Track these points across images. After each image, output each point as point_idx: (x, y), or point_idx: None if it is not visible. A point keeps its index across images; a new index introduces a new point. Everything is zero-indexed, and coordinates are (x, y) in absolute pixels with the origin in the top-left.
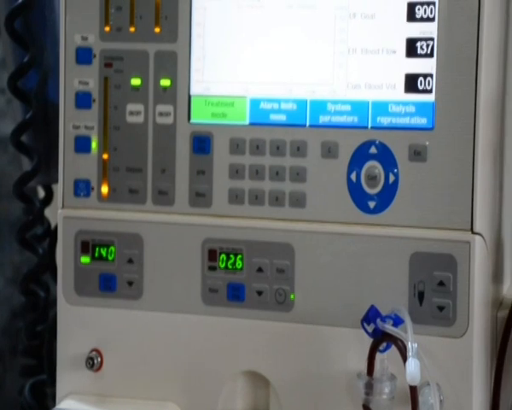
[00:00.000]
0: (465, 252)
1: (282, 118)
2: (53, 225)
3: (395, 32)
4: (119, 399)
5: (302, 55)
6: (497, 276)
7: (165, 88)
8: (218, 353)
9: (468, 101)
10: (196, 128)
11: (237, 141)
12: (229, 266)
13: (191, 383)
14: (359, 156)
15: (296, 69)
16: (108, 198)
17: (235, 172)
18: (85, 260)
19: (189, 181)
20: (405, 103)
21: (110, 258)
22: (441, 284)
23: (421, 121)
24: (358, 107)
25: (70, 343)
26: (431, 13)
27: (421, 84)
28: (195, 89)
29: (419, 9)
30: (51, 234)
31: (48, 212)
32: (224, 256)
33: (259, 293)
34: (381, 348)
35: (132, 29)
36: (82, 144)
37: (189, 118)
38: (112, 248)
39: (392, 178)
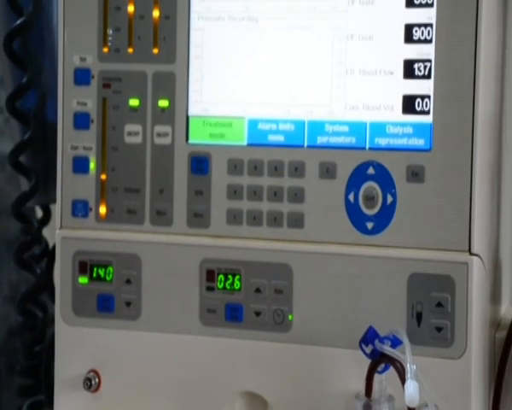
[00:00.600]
0: (463, 273)
1: (280, 138)
2: (51, 245)
3: (393, 53)
4: None
5: (300, 76)
6: (494, 296)
7: (163, 109)
8: (216, 373)
9: (466, 122)
10: (194, 149)
11: (235, 161)
12: (228, 287)
13: (189, 404)
14: (357, 177)
15: (294, 90)
16: (106, 219)
17: (234, 192)
18: (83, 280)
19: (187, 201)
20: (403, 124)
21: (108, 278)
22: (439, 304)
23: (419, 142)
24: (356, 128)
25: (68, 364)
26: (428, 35)
27: (418, 105)
28: (193, 109)
29: (416, 31)
30: (49, 254)
31: (46, 231)
32: (222, 277)
33: (257, 313)
34: (379, 369)
35: (130, 50)
36: (80, 165)
37: (187, 138)
38: (110, 269)
39: (389, 198)
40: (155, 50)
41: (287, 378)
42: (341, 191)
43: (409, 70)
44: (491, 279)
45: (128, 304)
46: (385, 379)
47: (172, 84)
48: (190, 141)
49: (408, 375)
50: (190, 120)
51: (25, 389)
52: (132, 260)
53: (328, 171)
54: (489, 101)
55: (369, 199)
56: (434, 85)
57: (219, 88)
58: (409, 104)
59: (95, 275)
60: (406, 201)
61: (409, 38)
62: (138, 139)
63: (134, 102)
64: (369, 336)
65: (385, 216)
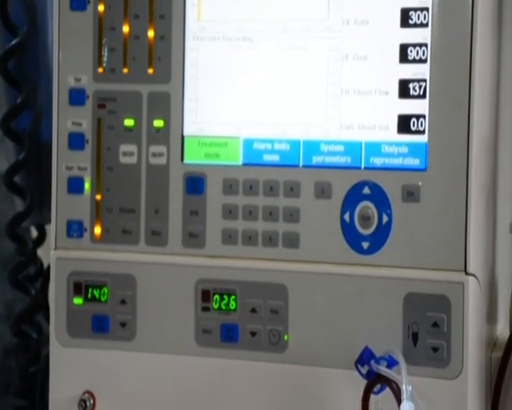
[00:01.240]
0: (459, 293)
1: (275, 158)
2: (46, 265)
3: (388, 73)
4: None
5: (295, 95)
6: (491, 316)
7: (158, 129)
8: (211, 394)
9: (461, 141)
10: (189, 169)
11: (230, 181)
12: (223, 307)
13: None
14: (352, 197)
15: (289, 110)
16: (101, 239)
17: (229, 212)
18: (78, 301)
19: (183, 222)
20: (398, 144)
21: (103, 299)
22: (435, 324)
23: (414, 162)
24: (351, 147)
25: (62, 385)
26: (423, 54)
27: (413, 125)
28: (188, 129)
29: (411, 51)
30: (44, 274)
31: (41, 251)
32: (217, 297)
33: (253, 334)
34: (375, 389)
35: (126, 70)
36: (75, 185)
37: (182, 158)
38: (105, 290)
39: (385, 218)
40: (150, 70)
41: (283, 399)
42: (337, 211)
43: (404, 90)
44: (487, 299)
45: (123, 325)
46: (381, 400)
47: (167, 104)
48: (185, 161)
49: (404, 396)
50: (185, 139)
51: None
52: (127, 281)
53: (323, 191)
54: (484, 120)
55: (365, 219)
56: (429, 105)
57: (214, 108)
58: (404, 124)
59: (89, 296)
60: (402, 220)
61: (404, 57)
62: (133, 159)
63: (129, 123)
64: (365, 357)
65: (380, 236)
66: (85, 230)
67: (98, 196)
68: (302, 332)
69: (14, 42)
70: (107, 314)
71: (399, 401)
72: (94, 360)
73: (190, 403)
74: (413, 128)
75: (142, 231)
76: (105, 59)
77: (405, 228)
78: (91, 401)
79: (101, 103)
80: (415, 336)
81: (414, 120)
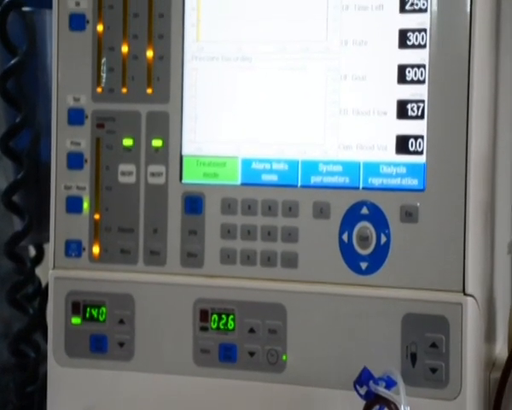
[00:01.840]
0: (457, 314)
1: (273, 178)
2: (44, 284)
3: (386, 93)
4: None
5: (294, 115)
6: (489, 336)
7: (157, 148)
8: None
9: (459, 162)
10: (188, 188)
11: (229, 201)
12: (221, 327)
13: None
14: (351, 217)
15: (288, 130)
16: (100, 258)
17: (227, 232)
18: (76, 320)
19: (181, 241)
20: (396, 164)
21: (101, 319)
22: (434, 345)
23: (413, 182)
24: (350, 167)
25: (60, 405)
26: (421, 75)
27: (412, 145)
28: (187, 149)
29: (409, 72)
30: (42, 293)
31: (39, 270)
32: (215, 316)
33: (251, 354)
34: None
35: (124, 90)
36: (73, 205)
37: (180, 178)
38: (103, 309)
39: (383, 238)
40: (149, 90)
41: None
42: (335, 231)
43: (402, 110)
44: (485, 319)
45: (121, 344)
46: None
47: (166, 123)
48: (184, 180)
49: None
50: (184, 159)
51: None
52: (126, 300)
53: (321, 211)
54: (482, 141)
55: (363, 239)
56: (428, 126)
57: (213, 127)
58: (402, 144)
59: (88, 315)
60: (400, 241)
61: (402, 78)
62: (132, 179)
63: (128, 142)
64: (364, 378)
65: (379, 256)
66: (84, 249)
67: (97, 216)
68: (300, 352)
69: (13, 61)
70: (105, 334)
71: None
72: (92, 379)
73: None
74: (411, 149)
75: (141, 250)
76: (104, 79)
77: (404, 248)
78: None
79: (99, 123)
80: (413, 357)
81: (412, 140)
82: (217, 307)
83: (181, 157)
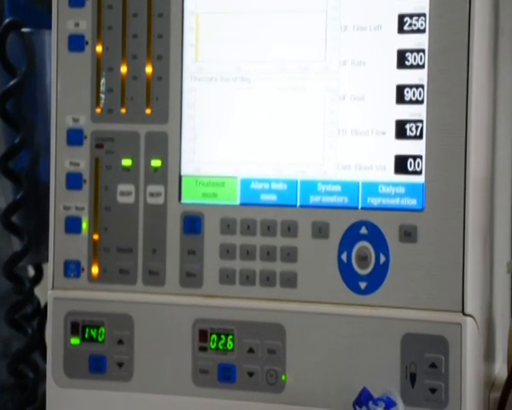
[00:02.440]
0: (456, 334)
1: (272, 198)
2: (43, 303)
3: (384, 113)
4: None
5: (292, 136)
6: (488, 356)
7: (155, 168)
8: None
9: (458, 182)
10: (187, 208)
11: (228, 221)
12: (220, 347)
13: None
14: (350, 237)
15: (286, 150)
16: (99, 279)
17: (226, 252)
18: (75, 341)
19: (180, 261)
20: (395, 184)
21: (100, 339)
22: (433, 365)
23: (412, 202)
24: (349, 187)
25: None
26: (420, 95)
27: (410, 165)
28: (186, 169)
29: (408, 92)
30: (41, 313)
31: (38, 290)
32: (214, 337)
33: (250, 374)
34: None
35: (123, 110)
36: (72, 225)
37: (179, 198)
38: (102, 329)
39: (382, 258)
40: (148, 111)
41: None
42: (334, 251)
43: (401, 130)
44: (484, 339)
45: (120, 365)
46: None
47: (165, 143)
48: (183, 201)
49: None
50: (183, 179)
51: None
52: (124, 321)
53: (320, 230)
54: (481, 161)
55: (362, 259)
56: (426, 146)
57: (212, 148)
58: (401, 164)
59: (87, 336)
60: (399, 261)
61: (400, 98)
62: (131, 199)
63: (127, 162)
64: (363, 398)
65: (378, 276)
66: (83, 269)
67: (96, 236)
68: (300, 372)
69: (12, 82)
70: (104, 354)
71: None
72: (91, 400)
73: None
74: (410, 168)
75: (140, 270)
76: (103, 99)
77: (403, 268)
78: None
79: (98, 143)
80: (412, 377)
81: (411, 160)
82: (216, 327)
83: (180, 177)
